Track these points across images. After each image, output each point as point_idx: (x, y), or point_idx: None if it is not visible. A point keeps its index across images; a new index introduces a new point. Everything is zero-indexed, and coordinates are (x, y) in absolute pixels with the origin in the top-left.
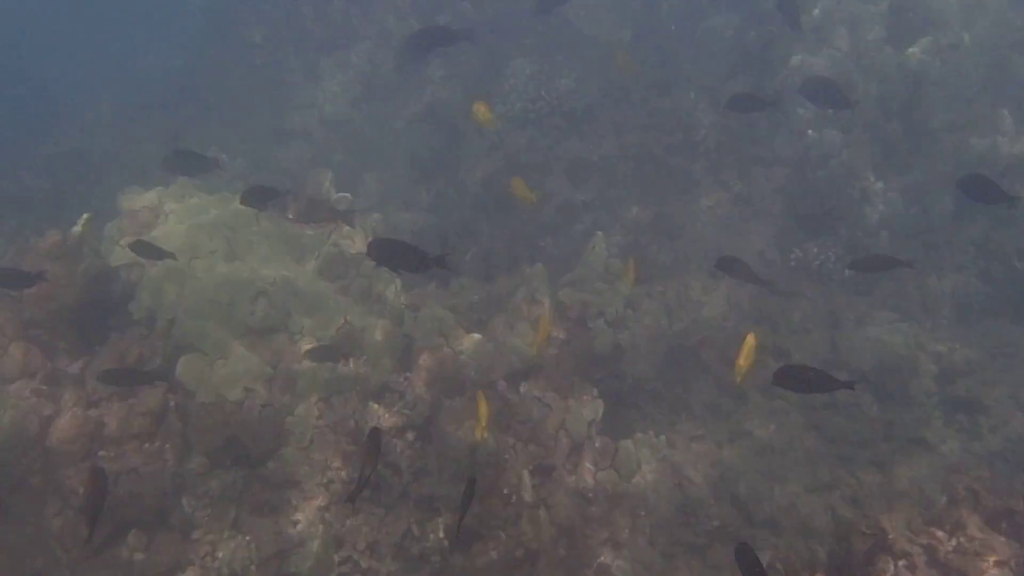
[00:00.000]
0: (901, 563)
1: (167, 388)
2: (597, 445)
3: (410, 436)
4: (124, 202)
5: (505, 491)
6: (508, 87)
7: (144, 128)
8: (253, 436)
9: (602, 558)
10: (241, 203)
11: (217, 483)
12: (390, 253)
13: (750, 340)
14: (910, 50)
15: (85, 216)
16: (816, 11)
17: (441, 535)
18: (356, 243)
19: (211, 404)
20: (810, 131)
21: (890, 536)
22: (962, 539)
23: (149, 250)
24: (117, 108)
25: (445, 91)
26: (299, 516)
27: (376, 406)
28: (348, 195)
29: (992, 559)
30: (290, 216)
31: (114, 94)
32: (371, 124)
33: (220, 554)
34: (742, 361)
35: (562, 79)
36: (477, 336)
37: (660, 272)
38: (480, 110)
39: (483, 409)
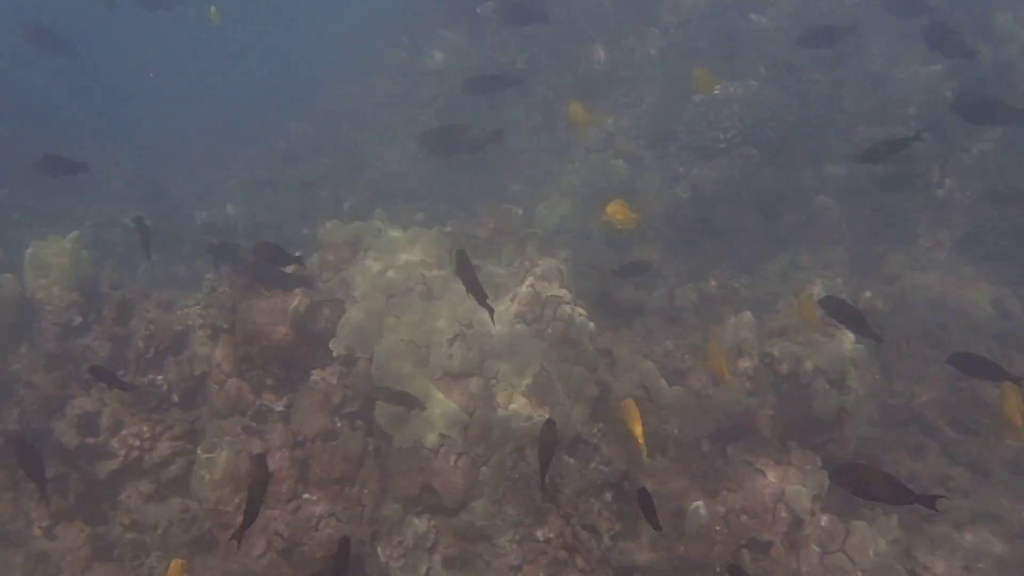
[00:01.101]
0: None
1: (365, 431)
2: (823, 523)
3: (608, 496)
4: (325, 236)
5: (717, 569)
6: (695, 114)
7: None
8: (447, 485)
9: None
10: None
11: (411, 532)
12: None
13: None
14: None
15: (297, 253)
16: None
17: None
18: (552, 286)
19: (407, 449)
20: None
21: None
22: None
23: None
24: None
25: (626, 120)
26: (491, 575)
27: (570, 460)
28: (537, 230)
29: None
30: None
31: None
32: (549, 152)
33: None
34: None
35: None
36: (677, 388)
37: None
38: (576, 110)
39: (633, 415)
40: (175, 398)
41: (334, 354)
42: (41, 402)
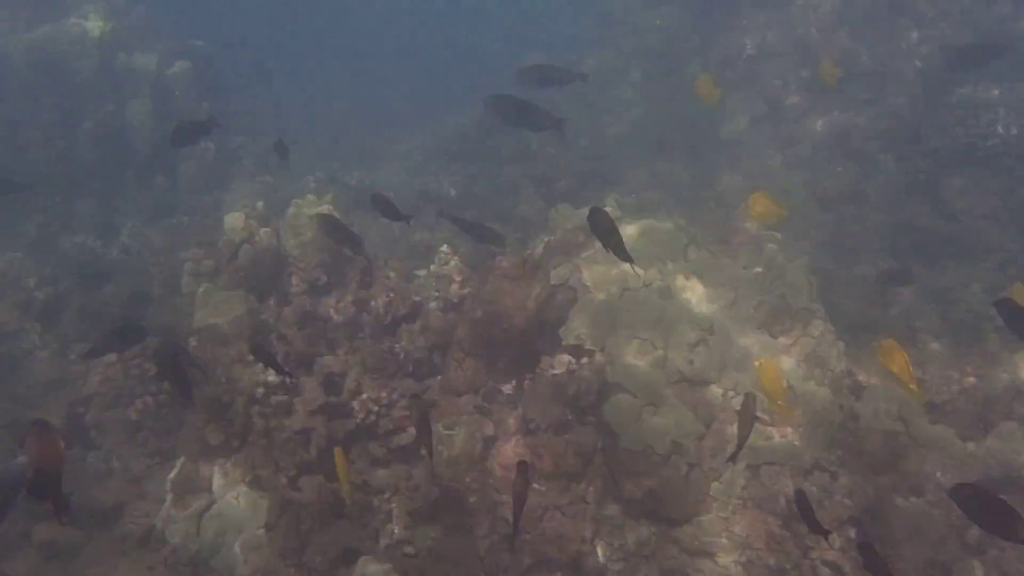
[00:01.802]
0: None
1: (596, 427)
2: None
3: (851, 532)
4: (556, 218)
5: None
6: (949, 117)
7: None
8: (674, 495)
9: None
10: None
11: (633, 537)
12: None
13: None
14: None
15: (545, 239)
16: None
17: None
18: (801, 297)
19: (636, 452)
20: None
21: None
22: None
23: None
24: None
25: (861, 118)
26: None
27: (808, 485)
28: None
29: None
30: None
31: None
32: (771, 145)
33: None
34: None
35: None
36: (940, 427)
37: None
38: (703, 83)
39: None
40: (409, 368)
41: (564, 342)
42: (294, 357)
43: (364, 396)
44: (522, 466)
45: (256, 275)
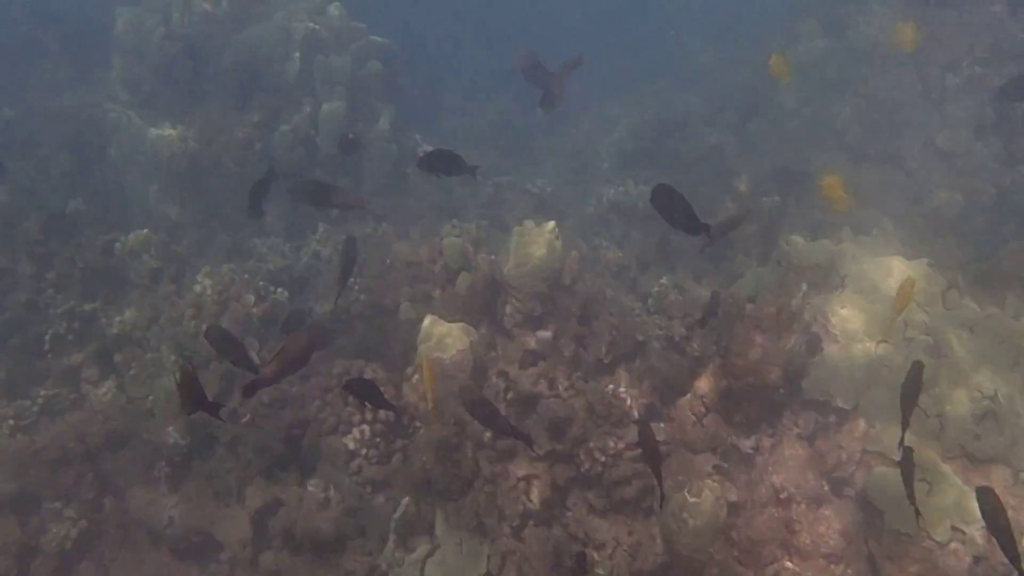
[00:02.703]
0: None
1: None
2: None
3: None
4: (792, 254)
5: None
6: None
7: None
8: None
9: None
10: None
11: None
12: None
13: None
14: None
15: (804, 287)
16: None
17: None
18: None
19: (905, 535)
20: None
21: None
22: None
23: None
24: None
25: None
26: None
27: None
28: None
29: None
30: None
31: None
32: (996, 162)
33: None
34: None
35: None
36: None
37: None
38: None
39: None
40: (634, 413)
41: (807, 396)
42: (516, 396)
43: (591, 445)
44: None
45: (472, 303)
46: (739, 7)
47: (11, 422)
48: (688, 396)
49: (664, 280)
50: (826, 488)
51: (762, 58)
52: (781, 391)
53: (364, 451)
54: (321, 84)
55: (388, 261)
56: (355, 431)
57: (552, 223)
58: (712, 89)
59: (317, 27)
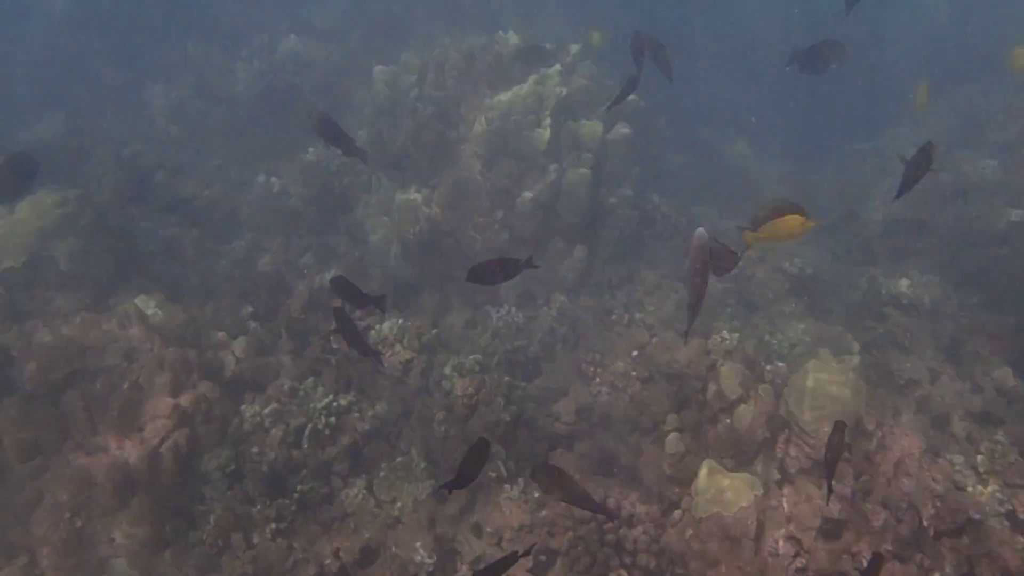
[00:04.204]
0: None
1: None
2: None
3: None
4: None
5: None
6: None
7: None
8: None
9: None
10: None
11: None
12: None
13: None
14: None
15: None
16: None
17: None
18: None
19: None
20: None
21: None
22: None
23: None
24: None
25: None
26: None
27: None
28: None
29: None
30: None
31: None
32: None
33: None
34: None
35: None
36: None
37: None
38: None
39: None
40: None
41: None
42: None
43: None
44: None
45: (751, 443)
46: None
47: (273, 525)
48: None
49: (1000, 436)
50: None
51: None
52: None
53: None
54: (568, 150)
55: (636, 354)
56: None
57: (856, 359)
58: None
59: (568, 91)
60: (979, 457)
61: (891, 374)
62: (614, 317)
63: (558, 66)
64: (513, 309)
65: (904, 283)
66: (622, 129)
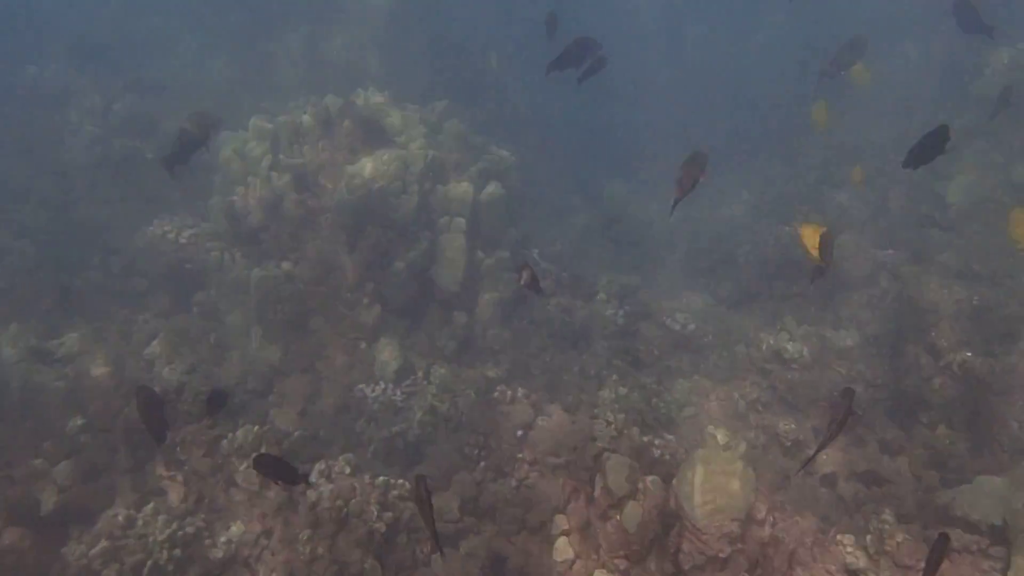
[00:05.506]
0: None
1: None
2: None
3: None
4: None
5: None
6: None
7: None
8: None
9: None
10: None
11: None
12: None
13: None
14: None
15: None
16: None
17: None
18: None
19: None
20: None
21: None
22: None
23: None
24: None
25: None
26: None
27: None
28: None
29: None
30: None
31: None
32: None
33: None
34: None
35: None
36: None
37: None
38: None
39: None
40: None
41: None
42: None
43: None
44: None
45: (642, 543)
46: None
47: None
48: None
49: (886, 515)
50: None
51: None
52: None
53: None
54: (438, 215)
55: (520, 434)
56: None
57: (743, 446)
58: None
59: (434, 154)
60: (868, 537)
61: (777, 436)
62: (496, 394)
63: (423, 128)
64: (390, 386)
65: (784, 338)
66: (494, 189)
